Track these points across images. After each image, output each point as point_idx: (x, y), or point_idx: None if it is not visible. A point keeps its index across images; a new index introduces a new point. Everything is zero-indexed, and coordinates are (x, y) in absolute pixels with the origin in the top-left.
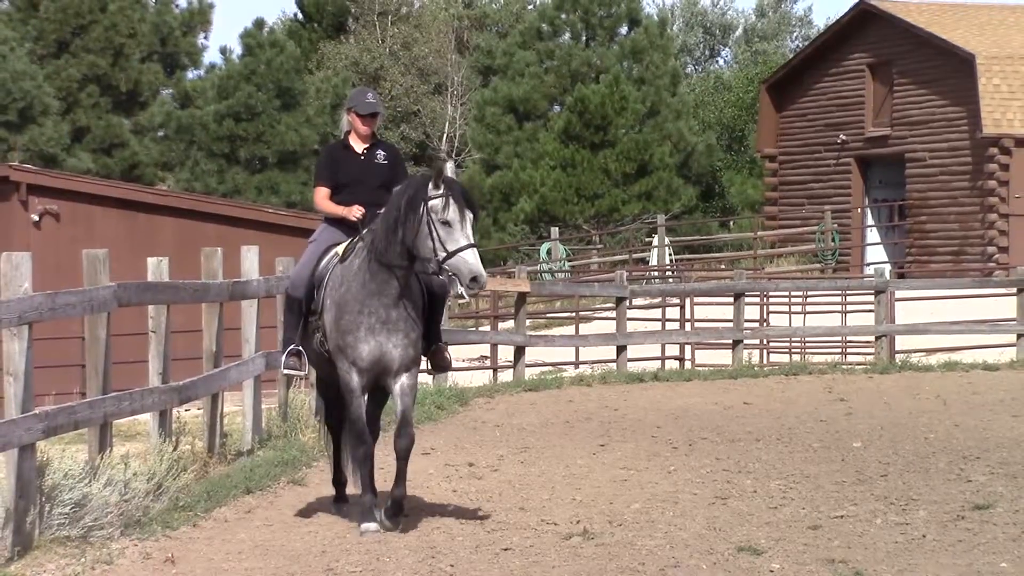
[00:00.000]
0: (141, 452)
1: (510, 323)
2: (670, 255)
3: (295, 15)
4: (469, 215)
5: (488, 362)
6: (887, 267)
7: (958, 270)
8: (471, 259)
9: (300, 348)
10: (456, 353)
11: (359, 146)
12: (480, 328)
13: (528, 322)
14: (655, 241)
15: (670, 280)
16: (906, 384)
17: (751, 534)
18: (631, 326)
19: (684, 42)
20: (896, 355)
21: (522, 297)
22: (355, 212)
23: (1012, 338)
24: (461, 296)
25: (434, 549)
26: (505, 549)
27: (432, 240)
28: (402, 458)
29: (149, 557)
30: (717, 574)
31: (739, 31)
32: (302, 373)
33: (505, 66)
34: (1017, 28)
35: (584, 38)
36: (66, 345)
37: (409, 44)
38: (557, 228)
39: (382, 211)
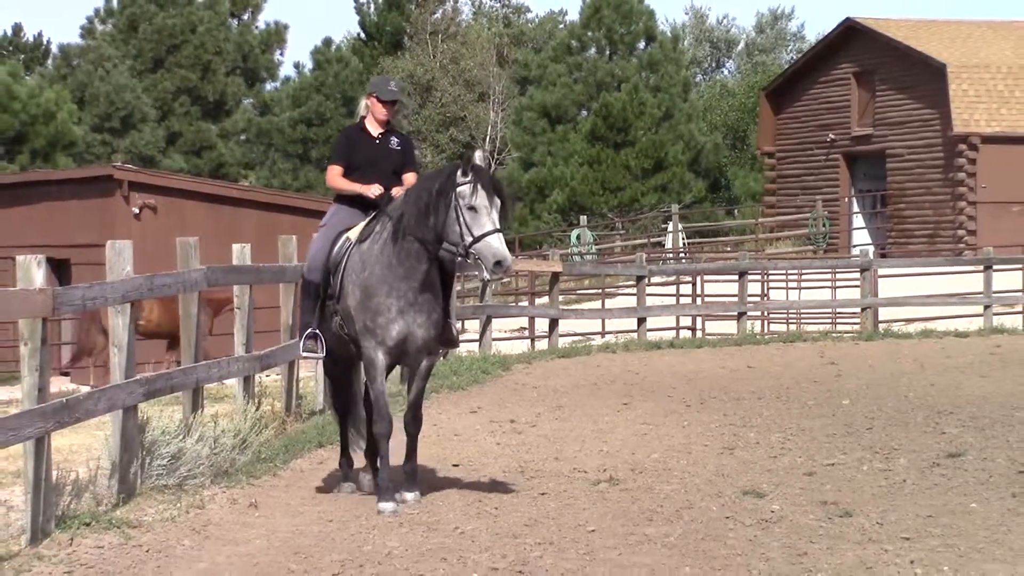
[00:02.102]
0: (228, 412)
1: (545, 299)
2: (683, 239)
3: (358, 34)
4: (497, 201)
5: (526, 333)
6: (871, 248)
7: (932, 251)
8: (496, 244)
9: (317, 331)
10: (498, 325)
11: (375, 130)
12: (519, 303)
13: (560, 298)
14: (670, 227)
15: (683, 261)
16: (888, 350)
17: (755, 480)
18: (650, 301)
19: (694, 55)
20: (879, 324)
21: (555, 276)
22: (374, 190)
23: (979, 309)
24: (487, 280)
25: (481, 494)
26: (542, 494)
27: (459, 226)
28: (412, 437)
29: (236, 502)
30: (725, 514)
31: (741, 45)
32: (319, 356)
33: (540, 77)
34: (983, 41)
35: (608, 52)
36: None
37: (457, 59)
38: (585, 216)
39: (405, 194)
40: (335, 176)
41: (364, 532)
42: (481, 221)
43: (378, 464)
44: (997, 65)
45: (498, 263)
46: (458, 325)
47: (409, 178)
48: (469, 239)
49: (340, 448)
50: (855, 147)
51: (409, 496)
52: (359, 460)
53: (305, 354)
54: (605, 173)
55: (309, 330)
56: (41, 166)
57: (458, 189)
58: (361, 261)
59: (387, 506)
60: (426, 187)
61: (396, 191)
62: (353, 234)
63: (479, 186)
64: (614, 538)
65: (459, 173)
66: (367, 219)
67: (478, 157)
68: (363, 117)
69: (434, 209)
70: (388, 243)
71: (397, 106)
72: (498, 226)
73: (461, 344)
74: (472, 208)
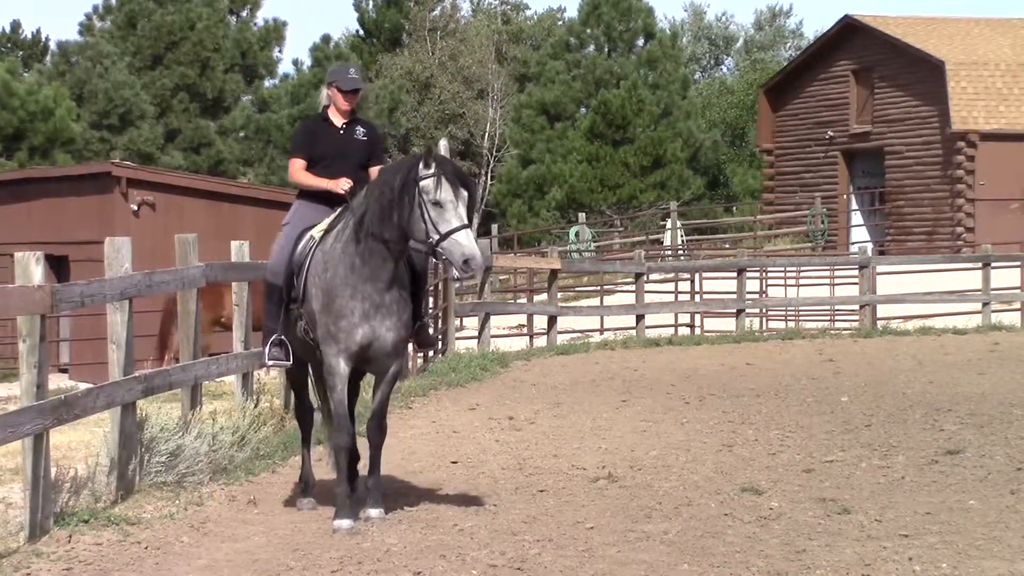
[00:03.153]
0: (227, 409)
1: (544, 296)
2: (682, 236)
3: (357, 31)
4: (463, 194)
5: (525, 330)
6: (869, 245)
7: (931, 248)
8: (464, 240)
9: (283, 338)
10: (497, 322)
11: (338, 120)
12: (518, 301)
13: (559, 295)
14: (668, 224)
15: (682, 258)
16: (886, 347)
17: (753, 477)
18: (648, 298)
19: (692, 52)
20: (878, 321)
21: (554, 273)
22: (343, 184)
23: (978, 306)
24: (456, 279)
25: (479, 490)
26: (541, 491)
27: (424, 223)
28: (375, 448)
29: (234, 499)
30: (724, 511)
31: (740, 42)
32: (287, 364)
33: (538, 74)
34: (981, 38)
35: (606, 49)
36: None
37: (456, 56)
38: (584, 213)
39: (367, 190)
40: (298, 171)
41: (363, 529)
42: (447, 217)
43: (336, 478)
44: (996, 63)
45: (466, 261)
46: (457, 322)
47: (375, 172)
48: (435, 237)
49: (301, 461)
50: (853, 144)
51: (373, 513)
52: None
53: (271, 362)
54: (604, 170)
55: (274, 336)
56: (39, 163)
57: (421, 184)
58: (324, 261)
59: (343, 523)
60: (388, 182)
61: (343, 182)
62: (317, 232)
63: (443, 179)
64: (613, 535)
65: (421, 166)
66: (332, 215)
67: (442, 147)
68: (326, 107)
69: (397, 206)
70: (350, 243)
71: (359, 95)
72: (465, 221)
73: (460, 341)
74: (437, 203)
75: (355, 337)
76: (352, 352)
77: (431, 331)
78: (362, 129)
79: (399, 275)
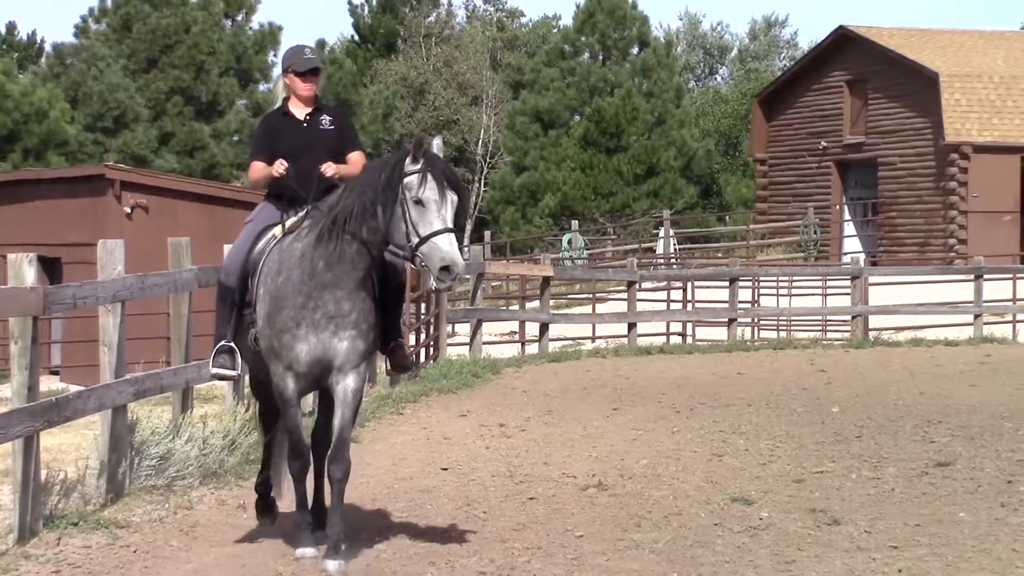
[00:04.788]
0: (217, 413)
1: (536, 303)
2: (674, 245)
3: (352, 37)
4: (451, 196)
5: (517, 337)
6: (862, 256)
7: (923, 259)
8: (444, 245)
9: (232, 345)
10: (489, 328)
11: (300, 112)
12: (510, 307)
13: (551, 302)
14: (661, 233)
15: (674, 266)
16: (878, 358)
17: (743, 487)
18: (640, 306)
19: (687, 61)
20: (869, 332)
21: (546, 281)
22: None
23: (970, 318)
24: (435, 289)
25: (469, 498)
26: (531, 498)
27: (405, 224)
28: (337, 484)
29: (224, 503)
30: (714, 521)
31: (734, 52)
32: (233, 374)
33: (533, 81)
34: (975, 50)
35: (601, 58)
36: (153, 320)
37: (450, 62)
38: (577, 221)
39: (346, 187)
40: (254, 172)
41: (352, 535)
42: (429, 218)
43: (296, 507)
44: (989, 75)
45: (445, 268)
46: (448, 328)
47: (354, 158)
48: (415, 240)
49: (261, 484)
50: (847, 155)
51: (331, 566)
52: (285, 503)
53: (216, 371)
54: (597, 178)
55: (222, 343)
56: (33, 165)
57: (406, 180)
58: (279, 262)
59: (307, 552)
60: (372, 179)
61: (326, 167)
62: (279, 230)
63: (430, 176)
64: (603, 544)
65: (408, 161)
66: (300, 214)
67: (436, 145)
68: (285, 99)
69: (380, 204)
70: (316, 243)
71: (319, 76)
72: (450, 224)
73: (451, 347)
74: (420, 202)
75: (299, 354)
76: (299, 371)
77: (407, 352)
78: (328, 118)
79: (365, 283)
